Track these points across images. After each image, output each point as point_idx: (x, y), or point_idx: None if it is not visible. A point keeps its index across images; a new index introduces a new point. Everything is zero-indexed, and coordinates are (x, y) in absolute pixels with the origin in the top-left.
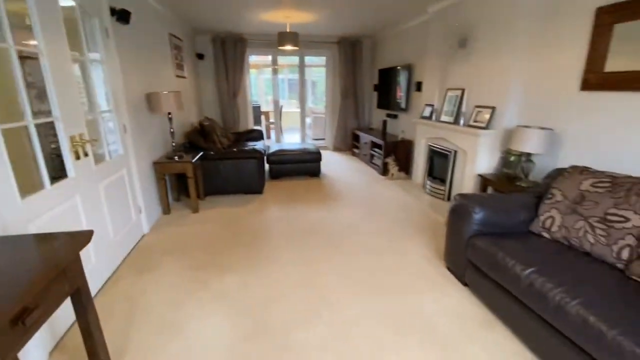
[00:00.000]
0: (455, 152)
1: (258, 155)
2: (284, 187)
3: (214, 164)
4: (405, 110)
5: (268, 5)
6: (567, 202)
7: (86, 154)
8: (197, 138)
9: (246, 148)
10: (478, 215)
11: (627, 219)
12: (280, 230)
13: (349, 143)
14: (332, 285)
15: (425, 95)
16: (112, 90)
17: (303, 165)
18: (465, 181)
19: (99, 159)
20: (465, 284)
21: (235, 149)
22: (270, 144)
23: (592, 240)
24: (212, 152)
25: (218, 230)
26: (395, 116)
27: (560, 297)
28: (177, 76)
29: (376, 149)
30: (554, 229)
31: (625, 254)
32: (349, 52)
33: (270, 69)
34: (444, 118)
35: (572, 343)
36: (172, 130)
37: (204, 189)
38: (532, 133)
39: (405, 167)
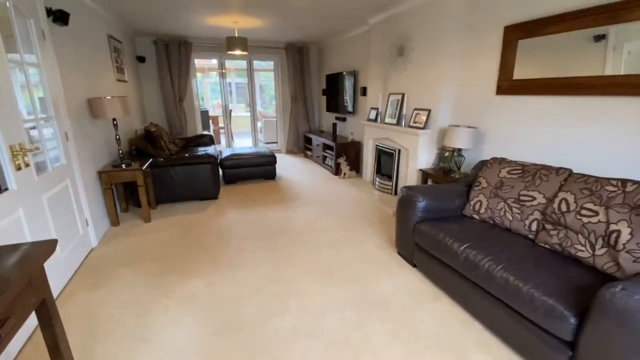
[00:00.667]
0: (399, 150)
1: (212, 160)
2: (240, 191)
3: (165, 171)
4: (352, 113)
5: (215, 10)
6: (490, 187)
7: (27, 165)
8: (144, 144)
9: (199, 153)
10: (421, 203)
11: (534, 198)
12: (241, 232)
13: (302, 146)
14: (297, 279)
15: (370, 99)
16: (51, 95)
17: (258, 169)
18: (409, 176)
19: (40, 169)
20: (414, 265)
21: (187, 155)
22: (221, 148)
23: (510, 218)
24: (161, 159)
25: (175, 237)
26: (344, 119)
27: (489, 264)
28: (118, 80)
29: (328, 151)
30: (482, 211)
31: (534, 226)
32: (297, 57)
33: (216, 72)
34: (387, 120)
35: (500, 301)
36: (118, 136)
37: (155, 197)
38: (461, 131)
39: (356, 166)
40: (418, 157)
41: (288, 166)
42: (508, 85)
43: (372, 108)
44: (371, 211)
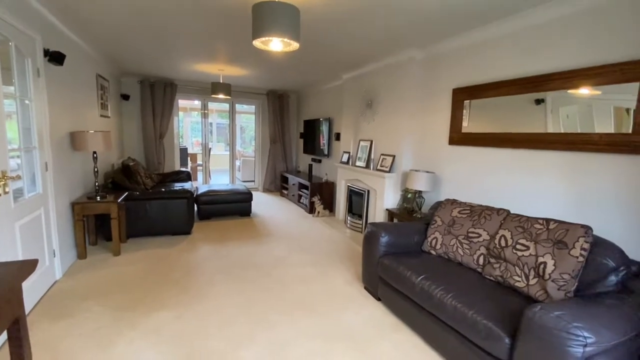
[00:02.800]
0: (368, 191)
1: (187, 194)
2: (215, 227)
3: (139, 204)
4: (327, 156)
5: (202, 59)
6: (444, 225)
7: (6, 192)
8: (121, 178)
9: (175, 188)
10: (384, 239)
11: (480, 235)
12: (212, 267)
13: (279, 185)
14: (266, 312)
15: (343, 144)
16: (36, 127)
17: (234, 205)
18: (377, 215)
19: (17, 196)
20: (378, 299)
21: (163, 189)
22: (198, 185)
23: (461, 253)
24: (137, 192)
25: (144, 271)
26: (319, 161)
27: (441, 294)
28: (102, 116)
29: (303, 190)
30: (438, 246)
31: (481, 260)
32: (277, 103)
33: (197, 112)
34: (358, 163)
35: (450, 327)
36: (96, 169)
37: (126, 231)
38: (420, 175)
39: (330, 205)
40: (385, 197)
41: (264, 204)
42: (458, 137)
43: (344, 152)
44: (342, 248)
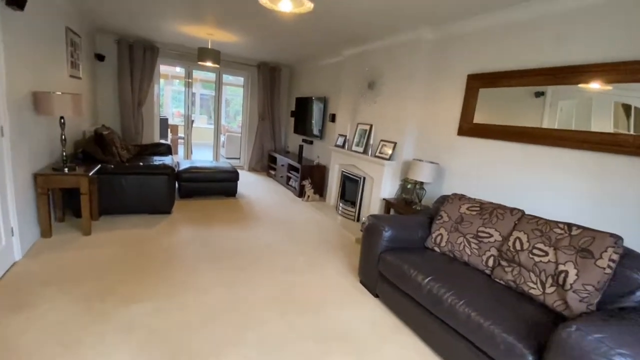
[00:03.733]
0: (364, 178)
1: (168, 171)
2: (197, 206)
3: (114, 179)
4: (320, 137)
5: (189, 20)
6: (451, 222)
7: None
8: (94, 149)
9: (155, 163)
10: (387, 233)
11: (491, 235)
12: (195, 253)
13: (265, 164)
14: (255, 307)
15: (339, 126)
16: None
17: (218, 185)
18: (372, 204)
19: None
20: (376, 295)
21: (141, 163)
22: (179, 160)
23: (469, 252)
24: (112, 166)
25: (118, 255)
26: (311, 142)
27: (451, 299)
28: (72, 76)
29: (293, 172)
30: (443, 244)
31: (490, 262)
32: (268, 76)
33: (179, 80)
34: (355, 148)
35: (462, 336)
36: (63, 137)
37: (98, 207)
38: (424, 166)
39: (320, 190)
40: (382, 186)
41: (250, 184)
42: (468, 128)
43: (340, 135)
44: (334, 236)
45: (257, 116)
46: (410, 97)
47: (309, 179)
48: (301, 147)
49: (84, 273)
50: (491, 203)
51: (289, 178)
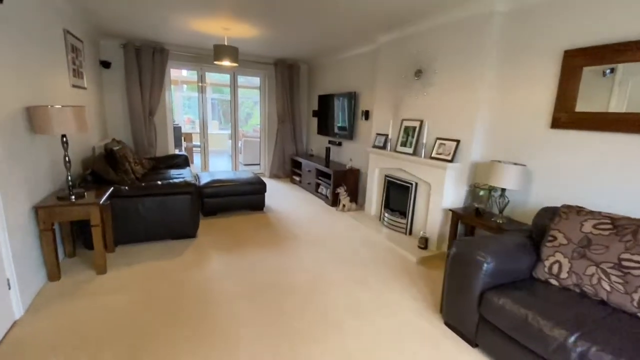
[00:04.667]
0: (416, 184)
1: (192, 189)
2: (224, 226)
3: (130, 203)
4: (350, 138)
5: (202, 11)
6: (572, 245)
7: None
8: (105, 168)
9: (175, 180)
10: (489, 265)
11: None
12: (231, 289)
13: (288, 170)
14: None
15: (376, 124)
16: None
17: (244, 198)
18: (430, 215)
19: None
20: (475, 345)
21: (160, 182)
22: (196, 171)
23: (607, 288)
24: (126, 187)
25: (140, 301)
26: (338, 143)
27: None
28: (74, 86)
29: (323, 178)
30: (563, 275)
31: None
32: (286, 74)
33: (188, 85)
34: (401, 149)
35: None
36: (67, 158)
37: (114, 236)
38: (508, 169)
39: (354, 196)
40: (444, 194)
41: (274, 193)
42: (567, 119)
43: (378, 134)
44: (388, 256)
45: (277, 118)
46: (477, 85)
47: (343, 185)
48: (328, 149)
49: (100, 332)
50: (628, 218)
51: (317, 185)
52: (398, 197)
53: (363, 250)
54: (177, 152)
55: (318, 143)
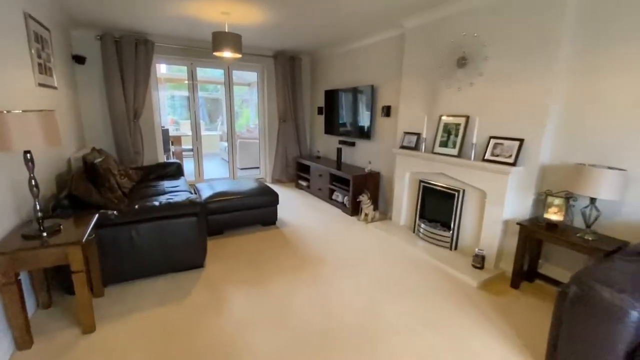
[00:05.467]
0: (463, 191)
1: (198, 209)
2: (234, 247)
3: (121, 232)
4: (367, 137)
5: None
6: None
7: None
8: (86, 189)
9: (177, 199)
10: (636, 313)
11: None
12: (266, 347)
13: (291, 174)
14: None
15: (403, 121)
16: None
17: (254, 212)
18: (487, 229)
19: None
20: None
21: (156, 202)
22: (192, 181)
23: None
24: (114, 212)
25: None
26: (352, 144)
27: None
28: (41, 85)
29: (338, 183)
30: None
31: None
32: (288, 68)
33: (170, 84)
34: (440, 150)
35: None
36: (34, 182)
37: (101, 276)
38: (605, 175)
39: (375, 203)
40: (505, 203)
41: (282, 202)
42: None
43: (407, 133)
44: (439, 279)
45: (278, 117)
46: (547, 72)
47: (366, 192)
48: (339, 150)
49: None
50: None
51: (331, 191)
52: (438, 205)
53: (408, 273)
54: (170, 160)
55: (325, 144)
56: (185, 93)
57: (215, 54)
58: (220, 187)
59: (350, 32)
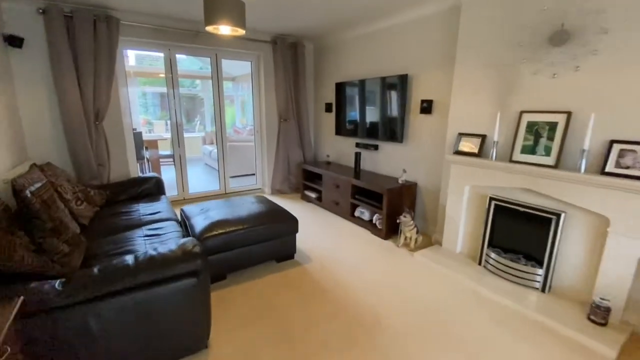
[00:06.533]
0: (564, 215)
1: (199, 264)
2: (246, 302)
3: (71, 319)
4: (397, 139)
5: None
6: None
7: None
8: (8, 243)
9: (165, 251)
10: None
11: None
12: None
13: (294, 183)
14: None
15: (456, 119)
16: None
17: (267, 246)
18: (606, 267)
19: None
20: None
21: (131, 260)
22: (172, 197)
23: None
24: (57, 284)
25: None
26: (374, 147)
27: None
28: None
29: (363, 197)
30: None
31: None
32: (289, 57)
33: (140, 78)
34: (523, 157)
35: None
36: None
37: None
38: None
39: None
40: (633, 234)
41: None
42: None
43: (463, 134)
44: (557, 349)
45: (278, 116)
46: None
47: (409, 212)
48: (357, 155)
49: None
50: None
51: (353, 206)
52: (519, 231)
53: (510, 340)
54: (140, 168)
55: (336, 147)
56: (158, 89)
57: (207, 28)
58: (217, 212)
59: (376, 8)
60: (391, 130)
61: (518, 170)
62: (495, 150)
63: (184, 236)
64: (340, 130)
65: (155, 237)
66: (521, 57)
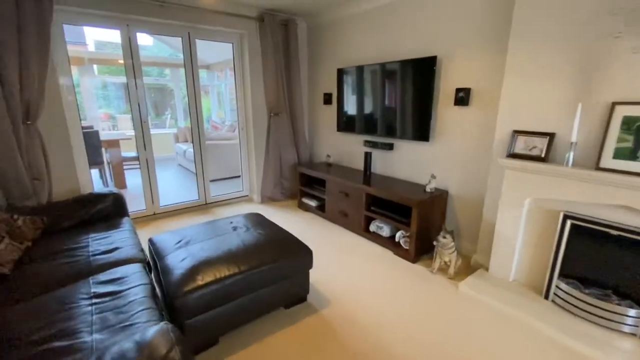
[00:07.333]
0: None
1: None
2: None
3: None
4: (421, 137)
5: None
6: None
7: None
8: None
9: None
10: None
11: None
12: None
13: (288, 188)
14: None
15: (508, 113)
16: None
17: (271, 290)
18: None
19: None
20: None
21: None
22: (139, 213)
23: None
24: None
25: None
26: (387, 146)
27: None
28: None
29: (381, 209)
30: None
31: None
32: (280, 38)
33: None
34: (617, 164)
35: None
36: None
37: None
38: None
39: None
40: None
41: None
42: None
43: (519, 132)
44: None
45: (267, 109)
46: None
47: (448, 231)
48: (368, 156)
49: None
50: None
51: (368, 219)
52: (608, 260)
53: None
54: (103, 191)
55: (337, 145)
56: (122, 79)
57: None
58: (201, 246)
59: None
60: (413, 126)
61: (608, 181)
62: (572, 154)
63: (154, 295)
64: (343, 125)
65: (108, 299)
66: (614, 29)
